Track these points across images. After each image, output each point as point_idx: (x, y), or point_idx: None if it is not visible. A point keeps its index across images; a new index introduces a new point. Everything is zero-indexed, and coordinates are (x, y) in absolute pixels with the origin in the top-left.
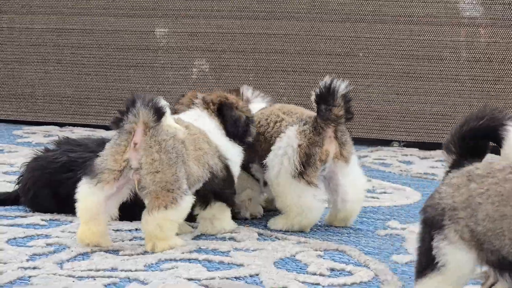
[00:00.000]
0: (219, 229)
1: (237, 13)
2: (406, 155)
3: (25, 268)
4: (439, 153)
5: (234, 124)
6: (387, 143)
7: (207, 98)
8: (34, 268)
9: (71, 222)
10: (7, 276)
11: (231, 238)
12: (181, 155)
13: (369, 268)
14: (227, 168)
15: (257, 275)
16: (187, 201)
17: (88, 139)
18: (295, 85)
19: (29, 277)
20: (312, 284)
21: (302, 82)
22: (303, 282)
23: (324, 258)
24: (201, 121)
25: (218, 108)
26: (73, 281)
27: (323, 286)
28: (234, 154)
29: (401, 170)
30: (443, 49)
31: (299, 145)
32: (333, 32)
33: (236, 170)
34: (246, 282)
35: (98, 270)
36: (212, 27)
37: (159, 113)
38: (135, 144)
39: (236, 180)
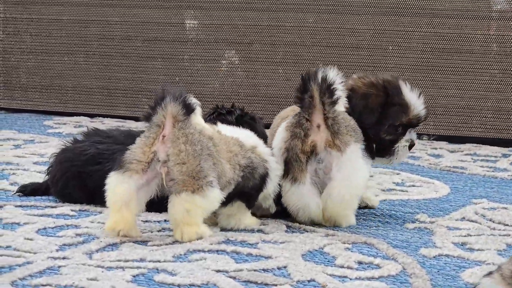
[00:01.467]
0: (232, 225)
1: (266, 5)
2: (436, 148)
3: (55, 258)
4: (468, 147)
5: None
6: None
7: None
8: (63, 258)
9: (100, 212)
10: (36, 266)
11: (259, 230)
12: (206, 148)
13: (397, 261)
14: (265, 168)
15: (285, 267)
16: (214, 193)
17: (117, 130)
18: None
19: (59, 267)
20: (340, 277)
21: None
22: (330, 275)
23: (352, 251)
24: (246, 133)
25: None
26: (102, 272)
27: (351, 279)
28: (275, 165)
29: (430, 164)
30: (474, 43)
31: (284, 140)
32: (361, 25)
33: (274, 175)
34: (274, 274)
35: (127, 261)
36: (241, 19)
37: (188, 109)
38: (164, 136)
39: (269, 189)
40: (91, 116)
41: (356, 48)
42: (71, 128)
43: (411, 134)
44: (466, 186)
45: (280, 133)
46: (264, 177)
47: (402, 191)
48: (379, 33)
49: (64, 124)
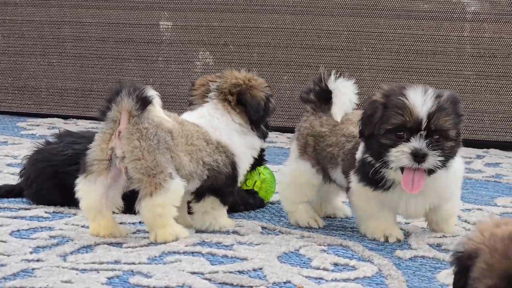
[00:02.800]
0: (208, 225)
1: (241, 7)
2: None
3: (29, 261)
4: None
5: (257, 109)
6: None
7: (223, 87)
8: (37, 260)
9: (74, 214)
10: (10, 268)
11: (234, 232)
12: (163, 142)
13: (372, 263)
14: (233, 164)
15: (260, 269)
16: (174, 184)
17: (89, 132)
18: (298, 79)
19: (33, 269)
20: (316, 278)
21: (305, 77)
22: (306, 277)
23: (327, 253)
24: (209, 118)
25: (237, 98)
26: (76, 274)
27: (327, 281)
28: (243, 150)
29: None
30: (448, 44)
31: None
32: (336, 27)
33: (244, 165)
34: (249, 276)
35: (102, 263)
36: (216, 20)
37: (144, 102)
38: (120, 132)
39: (241, 177)
40: (65, 117)
41: (331, 49)
42: (45, 129)
43: (417, 141)
44: None
45: None
46: (233, 176)
47: None
48: (354, 34)
49: (38, 125)
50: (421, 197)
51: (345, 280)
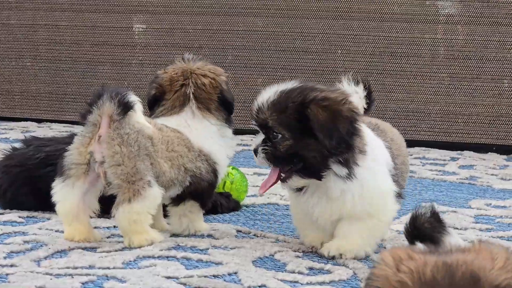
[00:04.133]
0: (185, 227)
1: (216, 9)
2: None
3: (2, 266)
4: (417, 150)
5: (232, 98)
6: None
7: (201, 96)
8: (11, 265)
9: (48, 219)
10: None
11: (209, 235)
12: (144, 148)
13: (347, 267)
14: (214, 172)
15: (235, 273)
16: (153, 192)
17: (55, 137)
18: (273, 82)
19: (6, 274)
20: (291, 282)
21: (280, 79)
22: (282, 280)
23: (302, 259)
24: (188, 129)
25: (219, 98)
26: (51, 279)
27: (302, 284)
28: (224, 157)
29: None
30: (421, 46)
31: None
32: (310, 29)
33: (223, 171)
34: (224, 280)
35: (76, 268)
36: (191, 23)
37: (125, 107)
38: (100, 136)
39: (219, 181)
40: (39, 121)
41: (306, 52)
42: (19, 133)
43: (258, 137)
44: (415, 190)
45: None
46: (215, 183)
47: None
48: (329, 37)
49: (11, 129)
50: (324, 205)
51: (320, 283)
